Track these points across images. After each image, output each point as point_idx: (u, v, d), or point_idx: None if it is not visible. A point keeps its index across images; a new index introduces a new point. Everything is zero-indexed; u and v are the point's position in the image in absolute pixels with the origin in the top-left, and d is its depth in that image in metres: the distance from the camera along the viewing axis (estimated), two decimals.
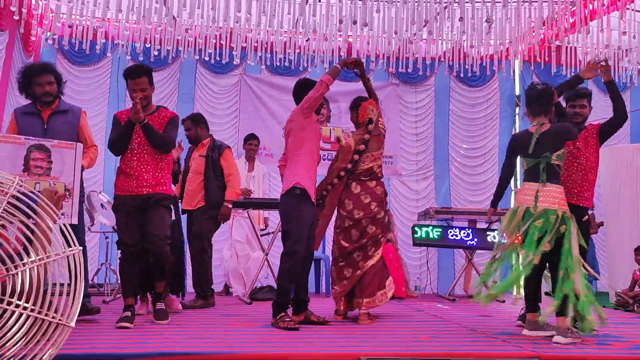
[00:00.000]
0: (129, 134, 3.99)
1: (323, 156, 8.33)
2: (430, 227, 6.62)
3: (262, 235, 6.29)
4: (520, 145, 3.96)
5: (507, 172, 4.25)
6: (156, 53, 7.49)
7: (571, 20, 6.78)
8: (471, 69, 7.66)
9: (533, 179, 3.82)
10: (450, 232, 6.57)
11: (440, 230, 6.59)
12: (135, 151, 4.02)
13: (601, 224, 7.12)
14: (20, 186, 1.79)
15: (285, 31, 7.30)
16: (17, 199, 1.85)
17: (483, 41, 7.34)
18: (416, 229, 6.64)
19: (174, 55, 7.65)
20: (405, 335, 3.81)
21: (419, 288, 7.41)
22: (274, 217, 6.99)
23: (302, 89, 4.32)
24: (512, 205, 4.34)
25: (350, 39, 7.41)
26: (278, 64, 7.65)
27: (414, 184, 8.53)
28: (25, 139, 3.59)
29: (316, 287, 7.13)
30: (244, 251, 6.31)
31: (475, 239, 6.54)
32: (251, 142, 6.66)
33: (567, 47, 7.33)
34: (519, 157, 4.16)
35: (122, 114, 4.13)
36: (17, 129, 3.97)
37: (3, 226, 1.77)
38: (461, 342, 3.59)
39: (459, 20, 6.35)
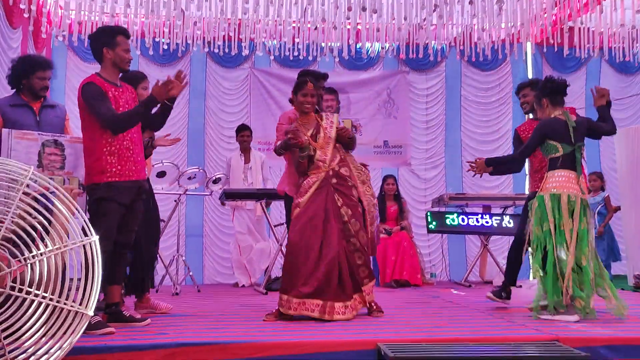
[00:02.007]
0: (147, 114, 3.52)
1: None
2: (445, 214, 6.59)
3: (276, 226, 6.29)
4: (556, 132, 3.97)
5: (527, 154, 4.22)
6: (165, 47, 7.48)
7: (584, 1, 6.67)
8: (482, 53, 7.57)
9: (569, 167, 3.93)
10: (465, 218, 6.54)
11: (456, 216, 6.55)
12: (131, 130, 3.53)
13: (618, 208, 7.03)
14: (35, 177, 1.80)
15: (293, 20, 7.26)
16: (37, 198, 1.84)
17: (494, 24, 7.25)
18: (430, 215, 6.61)
19: (183, 49, 7.64)
20: (422, 321, 3.80)
21: (435, 275, 7.38)
22: (277, 208, 6.98)
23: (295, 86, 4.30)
24: (528, 189, 4.38)
25: (360, 27, 7.35)
26: (287, 53, 7.61)
27: (423, 172, 8.48)
28: (39, 134, 3.61)
29: None
30: (246, 242, 6.33)
31: (491, 225, 6.50)
32: (243, 133, 6.65)
33: (579, 28, 7.20)
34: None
35: (102, 82, 3.49)
36: (5, 121, 3.72)
37: (22, 218, 1.78)
38: (479, 326, 3.57)
39: (469, 3, 6.28)
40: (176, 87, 3.54)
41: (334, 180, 4.00)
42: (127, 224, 3.54)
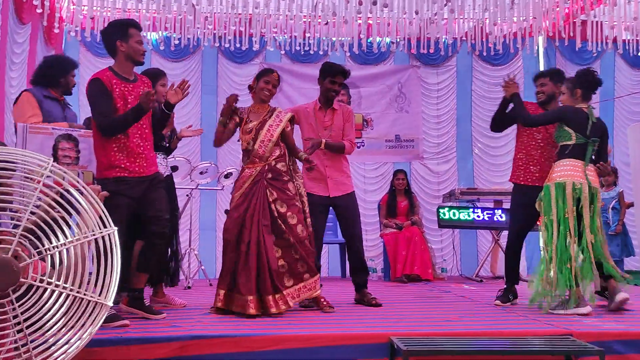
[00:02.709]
0: (135, 121, 3.48)
1: None
2: (456, 209, 6.58)
3: None
4: (575, 120, 3.98)
5: (537, 124, 4.18)
6: (177, 42, 7.51)
7: None
8: (494, 47, 7.53)
9: (578, 157, 3.94)
10: (477, 212, 6.52)
11: (467, 211, 6.54)
12: (137, 125, 3.50)
13: (631, 204, 6.97)
14: (53, 168, 1.82)
15: (304, 15, 7.26)
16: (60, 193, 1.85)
17: (506, 18, 7.20)
18: (442, 210, 6.59)
19: (194, 45, 7.66)
20: (434, 315, 3.80)
21: (445, 270, 7.37)
22: None
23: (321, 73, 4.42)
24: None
25: (370, 21, 7.33)
26: (298, 48, 7.61)
27: (435, 166, 8.46)
28: (53, 129, 3.64)
29: (342, 272, 7.16)
30: None
31: (502, 219, 6.48)
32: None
33: (592, 21, 7.15)
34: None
35: (111, 77, 3.49)
36: (42, 110, 3.82)
37: (42, 210, 1.80)
38: (492, 321, 3.57)
39: None
40: (176, 94, 3.58)
41: (269, 175, 3.94)
42: (156, 214, 3.53)
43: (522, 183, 4.28)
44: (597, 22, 7.03)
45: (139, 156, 3.49)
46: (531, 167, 4.26)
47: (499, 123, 4.47)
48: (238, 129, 4.12)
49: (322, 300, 3.98)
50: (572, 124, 3.97)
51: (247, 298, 3.66)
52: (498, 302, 4.22)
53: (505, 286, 4.35)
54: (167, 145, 4.42)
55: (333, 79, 4.40)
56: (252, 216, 3.82)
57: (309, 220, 4.04)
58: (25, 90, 4.00)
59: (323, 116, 4.45)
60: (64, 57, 4.28)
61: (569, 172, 3.89)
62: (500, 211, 6.58)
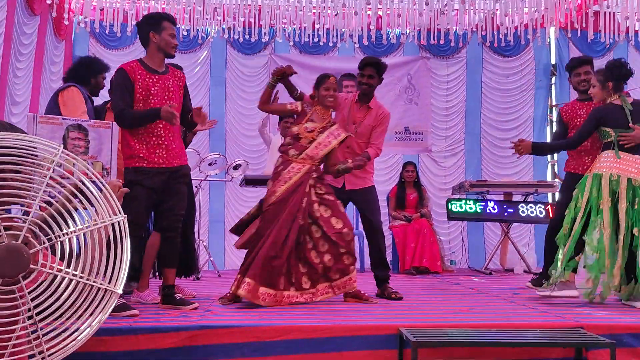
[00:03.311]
0: (145, 124, 3.53)
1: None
2: (465, 201, 6.54)
3: None
4: (610, 118, 3.92)
5: (582, 140, 4.10)
6: (185, 33, 7.50)
7: None
8: (505, 39, 7.46)
9: (622, 149, 3.87)
10: (486, 205, 6.48)
11: (476, 203, 6.50)
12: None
13: None
14: (63, 155, 1.82)
15: (313, 6, 7.22)
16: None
17: (517, 9, 7.13)
18: (451, 203, 6.56)
19: (203, 36, 7.65)
20: (443, 307, 3.79)
21: (454, 262, 7.35)
22: None
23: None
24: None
25: (380, 12, 7.29)
26: (307, 39, 7.57)
27: (442, 159, 8.42)
28: (63, 119, 3.64)
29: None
30: None
31: (512, 212, 6.44)
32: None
33: (605, 12, 7.06)
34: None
35: (136, 68, 3.54)
36: (87, 107, 3.99)
37: (52, 196, 1.80)
38: (502, 313, 3.55)
39: None
40: (201, 120, 3.73)
41: (314, 175, 4.01)
42: (170, 208, 3.57)
43: (574, 172, 4.31)
44: (610, 12, 6.94)
45: (159, 147, 3.52)
46: (584, 157, 4.29)
47: (555, 152, 4.46)
48: (293, 116, 4.28)
49: (363, 293, 4.01)
50: (608, 122, 3.92)
51: (270, 292, 3.74)
52: (529, 284, 4.29)
53: (541, 271, 4.37)
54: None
55: (361, 71, 4.38)
56: (298, 211, 3.86)
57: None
58: (72, 85, 4.08)
59: (357, 110, 4.42)
60: (98, 60, 4.42)
61: (608, 163, 3.84)
62: (510, 204, 6.54)
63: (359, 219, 5.05)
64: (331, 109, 4.16)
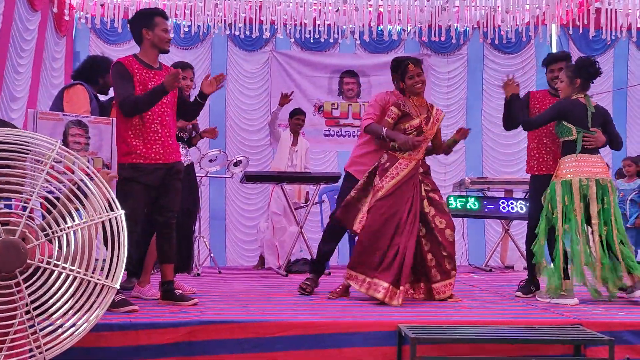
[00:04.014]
0: (153, 102, 3.47)
1: (354, 133, 8.29)
2: (466, 198, 6.53)
3: (296, 209, 6.31)
4: (573, 114, 3.89)
5: (535, 126, 4.10)
6: (187, 30, 7.50)
7: None
8: (506, 36, 7.44)
9: (583, 151, 3.86)
10: (487, 202, 6.47)
11: (477, 200, 6.50)
12: (157, 112, 3.51)
13: None
14: (61, 151, 1.82)
15: (314, 2, 7.21)
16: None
17: (519, 6, 7.11)
18: (452, 199, 6.55)
19: (204, 32, 7.64)
20: (443, 304, 3.79)
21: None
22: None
23: (394, 69, 4.30)
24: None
25: (381, 9, 7.27)
26: (308, 36, 7.56)
27: (443, 156, 8.37)
28: (63, 115, 3.64)
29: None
30: (280, 223, 6.32)
31: (513, 209, 6.43)
32: (299, 116, 6.58)
33: (607, 9, 7.04)
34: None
35: (133, 62, 3.52)
36: (91, 106, 3.95)
37: (49, 192, 1.81)
38: (501, 309, 3.56)
39: None
40: (211, 85, 3.66)
41: (421, 170, 4.01)
42: (165, 205, 3.56)
43: (537, 173, 4.22)
44: (611, 9, 6.92)
45: (156, 142, 3.50)
46: (545, 156, 4.18)
47: (509, 122, 4.37)
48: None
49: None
50: (571, 118, 3.88)
51: (432, 286, 3.85)
52: (519, 293, 4.13)
53: (526, 278, 4.25)
54: (186, 138, 4.51)
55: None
56: (410, 210, 3.83)
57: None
58: (79, 82, 4.05)
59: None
60: (105, 58, 4.37)
61: (575, 168, 3.84)
62: (510, 201, 6.53)
63: None
64: (421, 94, 4.03)
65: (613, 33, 6.99)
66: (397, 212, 3.81)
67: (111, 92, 4.33)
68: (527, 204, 6.43)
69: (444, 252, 3.88)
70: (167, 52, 3.67)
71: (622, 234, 3.85)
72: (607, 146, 4.10)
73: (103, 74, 4.12)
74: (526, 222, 7.39)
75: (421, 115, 3.99)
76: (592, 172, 3.84)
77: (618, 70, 8.41)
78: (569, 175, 3.84)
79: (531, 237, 4.15)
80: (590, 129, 3.87)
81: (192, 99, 3.91)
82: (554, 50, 8.43)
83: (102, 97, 4.31)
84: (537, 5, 7.12)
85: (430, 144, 4.14)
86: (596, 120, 3.92)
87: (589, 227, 3.86)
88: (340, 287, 3.99)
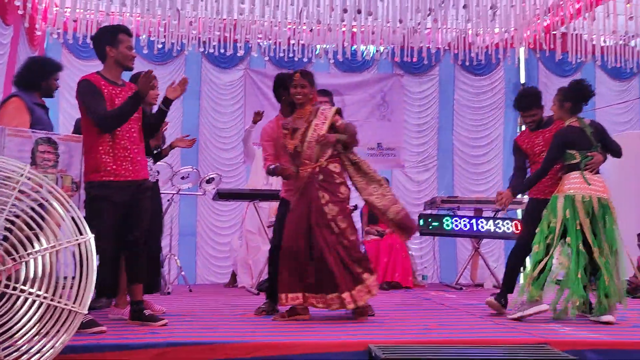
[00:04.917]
0: (134, 111, 3.44)
1: None
2: (437, 216, 6.62)
3: (269, 227, 6.30)
4: (573, 141, 3.99)
5: (551, 166, 4.09)
6: (160, 46, 7.48)
7: (577, 6, 6.73)
8: (476, 58, 7.62)
9: (577, 170, 3.96)
10: (457, 221, 6.56)
11: (447, 219, 6.58)
12: (126, 128, 3.48)
13: None
14: (30, 175, 1.80)
15: (289, 22, 7.28)
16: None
17: (488, 29, 7.30)
18: (422, 218, 6.63)
19: (178, 49, 7.63)
20: (413, 323, 3.82)
21: (426, 277, 7.42)
22: None
23: (276, 85, 4.33)
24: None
25: (355, 29, 7.38)
26: (282, 55, 7.62)
27: (415, 175, 8.53)
28: (32, 132, 3.59)
29: None
30: (255, 242, 6.31)
31: (483, 228, 6.53)
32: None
33: (572, 34, 7.27)
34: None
35: (99, 80, 3.48)
36: (33, 118, 3.76)
37: (17, 216, 1.78)
38: (470, 329, 3.60)
39: (463, 7, 6.32)
40: (175, 91, 3.63)
41: (320, 177, 3.89)
42: (134, 223, 3.53)
43: (536, 197, 4.28)
44: (576, 34, 7.15)
45: (125, 159, 3.46)
46: (543, 181, 4.21)
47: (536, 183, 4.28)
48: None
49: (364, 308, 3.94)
50: (572, 145, 3.98)
51: (342, 295, 3.72)
52: (491, 300, 4.20)
53: (500, 290, 4.30)
54: (156, 152, 4.41)
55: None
56: (311, 220, 3.78)
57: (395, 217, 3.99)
58: (15, 95, 3.89)
59: None
60: (47, 60, 4.20)
61: (579, 185, 3.92)
62: (480, 220, 6.64)
63: None
64: (305, 105, 3.98)
65: (579, 57, 7.21)
66: (301, 224, 3.80)
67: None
68: (497, 223, 6.56)
69: (348, 257, 3.80)
70: (130, 69, 3.64)
71: (619, 253, 3.90)
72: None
73: (47, 77, 3.94)
74: (495, 240, 7.56)
75: (301, 126, 3.96)
76: (594, 190, 3.92)
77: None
78: (572, 191, 3.91)
79: (513, 252, 4.25)
80: (594, 146, 3.97)
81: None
82: (522, 72, 8.66)
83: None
84: (505, 29, 7.31)
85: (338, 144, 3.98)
86: (597, 137, 4.02)
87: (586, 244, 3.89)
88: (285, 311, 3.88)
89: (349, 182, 4.09)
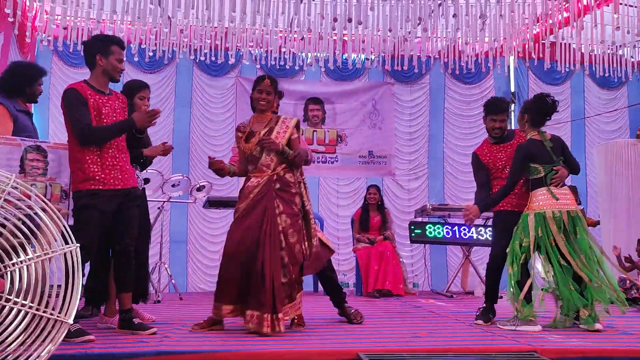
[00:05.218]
0: (119, 135, 3.50)
1: (319, 159, 8.38)
2: (428, 224, 6.64)
3: None
4: (535, 154, 4.01)
5: (518, 179, 4.09)
6: (151, 54, 7.48)
7: (565, 15, 6.80)
8: (466, 66, 7.68)
9: (543, 185, 3.97)
10: (448, 228, 6.59)
11: (438, 227, 6.60)
12: (117, 139, 3.51)
13: (597, 222, 7.09)
14: (17, 185, 1.80)
15: (280, 30, 7.31)
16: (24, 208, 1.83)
17: (478, 38, 7.36)
18: (414, 226, 6.65)
19: (169, 56, 7.64)
20: (403, 331, 3.82)
21: (417, 285, 7.43)
22: None
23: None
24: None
25: (345, 38, 7.42)
26: (273, 63, 7.65)
27: (406, 183, 8.57)
28: (21, 140, 3.58)
29: (314, 286, 7.14)
30: None
31: (473, 236, 6.56)
32: None
33: (561, 43, 7.35)
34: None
35: (85, 89, 3.46)
36: (17, 125, 3.74)
37: (2, 225, 1.78)
38: (459, 337, 3.60)
39: (453, 16, 6.37)
40: (153, 151, 3.79)
41: (277, 186, 3.76)
42: (122, 232, 3.51)
43: (501, 209, 4.25)
44: (565, 43, 7.22)
45: (113, 168, 3.45)
46: (510, 195, 4.18)
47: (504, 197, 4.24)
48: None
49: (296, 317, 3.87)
50: (536, 158, 4.00)
51: (264, 316, 3.50)
52: (480, 322, 4.15)
53: (484, 305, 4.28)
54: (143, 160, 4.37)
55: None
56: (264, 230, 3.63)
57: (315, 240, 3.86)
58: None
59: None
60: (30, 65, 4.16)
61: (547, 201, 3.94)
62: (471, 228, 6.67)
63: None
64: (265, 112, 3.91)
65: (568, 66, 7.28)
66: (252, 236, 3.64)
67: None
68: (487, 231, 6.59)
69: (290, 276, 3.67)
70: (117, 81, 3.62)
71: (599, 261, 3.91)
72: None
73: (31, 83, 3.91)
74: (485, 248, 7.58)
75: (260, 129, 3.87)
76: (563, 204, 3.94)
77: (576, 101, 8.75)
78: (542, 208, 3.94)
79: (491, 267, 4.25)
80: (555, 160, 3.99)
81: None
82: (512, 81, 8.73)
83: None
84: (494, 38, 7.38)
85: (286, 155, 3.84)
86: (557, 151, 4.04)
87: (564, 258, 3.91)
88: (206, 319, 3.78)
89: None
